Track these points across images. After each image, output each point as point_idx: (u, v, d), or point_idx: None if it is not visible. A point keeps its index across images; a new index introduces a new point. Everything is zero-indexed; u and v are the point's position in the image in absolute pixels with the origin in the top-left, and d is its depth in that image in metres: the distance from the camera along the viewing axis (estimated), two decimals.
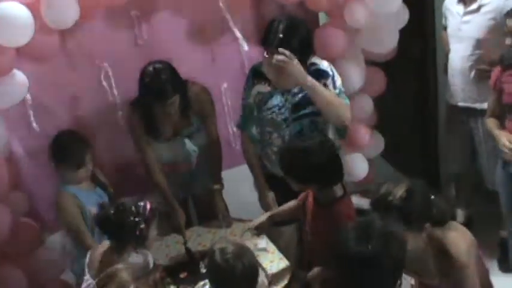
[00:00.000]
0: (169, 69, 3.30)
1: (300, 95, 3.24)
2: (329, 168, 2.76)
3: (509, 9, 3.37)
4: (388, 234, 2.04)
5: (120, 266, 2.64)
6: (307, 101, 3.21)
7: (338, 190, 2.83)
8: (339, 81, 3.28)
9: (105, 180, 3.49)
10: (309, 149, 2.75)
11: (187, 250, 3.26)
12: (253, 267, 2.43)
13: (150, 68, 3.27)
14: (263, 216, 3.18)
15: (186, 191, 3.76)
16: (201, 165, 3.63)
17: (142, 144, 3.48)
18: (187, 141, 3.55)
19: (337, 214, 2.75)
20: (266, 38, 3.14)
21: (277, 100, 3.28)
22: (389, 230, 2.07)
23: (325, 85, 3.20)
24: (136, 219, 2.71)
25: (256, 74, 3.34)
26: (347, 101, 3.28)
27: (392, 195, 2.36)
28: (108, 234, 2.80)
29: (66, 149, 3.28)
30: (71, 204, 3.26)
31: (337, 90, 3.23)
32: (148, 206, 2.76)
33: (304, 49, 3.14)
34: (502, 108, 3.29)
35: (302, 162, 2.73)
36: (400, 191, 2.36)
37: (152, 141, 3.49)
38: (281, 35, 3.07)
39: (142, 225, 2.72)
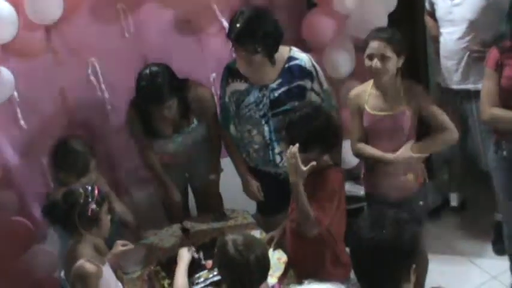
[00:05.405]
0: (166, 72, 3.22)
1: (279, 91, 3.18)
2: (330, 128, 2.84)
3: None
4: (400, 221, 2.05)
5: (81, 261, 2.60)
6: (287, 96, 3.17)
7: (328, 160, 2.90)
8: (324, 81, 3.26)
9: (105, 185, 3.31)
10: (310, 114, 2.83)
11: (184, 229, 3.29)
12: (266, 257, 2.42)
13: (147, 71, 3.19)
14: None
15: (185, 182, 3.75)
16: (201, 156, 3.58)
17: (142, 143, 3.47)
18: (187, 135, 3.49)
19: (325, 178, 2.80)
20: (229, 30, 3.07)
21: (254, 97, 3.21)
22: (401, 217, 2.07)
23: (312, 89, 3.19)
24: (87, 199, 2.63)
25: (230, 72, 3.28)
26: (334, 103, 3.28)
27: None
28: (59, 222, 2.71)
29: (69, 156, 3.15)
30: None
31: (324, 94, 3.22)
32: (96, 188, 2.69)
33: (268, 41, 3.05)
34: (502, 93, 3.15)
35: (307, 127, 2.77)
36: None
37: (152, 139, 3.45)
38: (240, 26, 2.99)
39: (94, 206, 2.64)
